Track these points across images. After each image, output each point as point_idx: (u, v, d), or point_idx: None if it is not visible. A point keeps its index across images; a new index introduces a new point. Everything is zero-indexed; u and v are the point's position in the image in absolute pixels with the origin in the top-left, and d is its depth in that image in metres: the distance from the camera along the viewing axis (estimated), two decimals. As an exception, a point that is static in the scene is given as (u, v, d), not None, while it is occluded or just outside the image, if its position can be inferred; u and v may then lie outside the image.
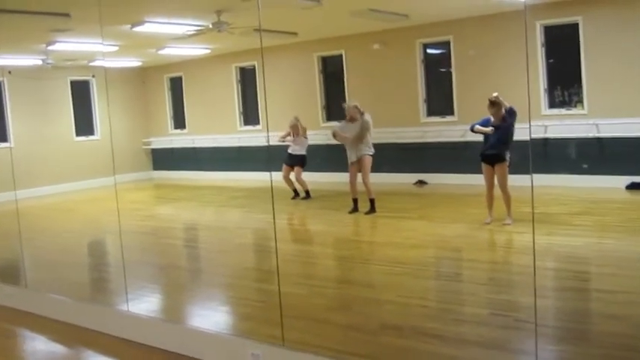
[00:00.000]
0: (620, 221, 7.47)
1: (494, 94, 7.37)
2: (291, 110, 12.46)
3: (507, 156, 7.33)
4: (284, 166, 10.42)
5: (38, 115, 13.51)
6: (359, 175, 8.74)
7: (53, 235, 9.25)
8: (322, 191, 10.59)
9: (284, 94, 12.54)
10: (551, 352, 3.89)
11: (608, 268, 5.65)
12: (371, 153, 8.75)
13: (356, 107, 8.87)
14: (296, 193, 10.34)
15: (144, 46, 11.62)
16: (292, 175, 10.37)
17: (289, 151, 10.47)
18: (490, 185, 7.48)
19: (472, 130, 7.61)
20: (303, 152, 10.44)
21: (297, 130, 10.46)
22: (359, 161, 8.70)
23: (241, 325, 4.90)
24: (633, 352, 3.84)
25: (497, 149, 7.33)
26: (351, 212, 8.67)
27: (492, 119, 7.41)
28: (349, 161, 8.82)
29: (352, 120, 8.83)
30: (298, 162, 10.35)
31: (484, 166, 7.49)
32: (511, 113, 7.28)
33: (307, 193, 10.26)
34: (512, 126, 7.33)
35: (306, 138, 10.49)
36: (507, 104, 7.31)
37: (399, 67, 11.47)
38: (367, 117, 8.76)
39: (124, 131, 14.48)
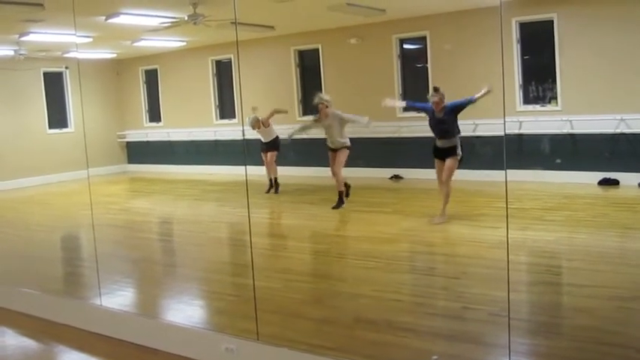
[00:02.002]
0: (591, 216, 7.56)
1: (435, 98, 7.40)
2: (267, 104, 12.44)
3: (459, 150, 7.37)
4: (262, 155, 10.45)
5: (10, 106, 13.32)
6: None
7: (25, 228, 9.13)
8: (298, 185, 10.58)
9: (261, 87, 12.49)
10: (524, 345, 3.93)
11: (580, 262, 5.72)
12: (348, 144, 8.76)
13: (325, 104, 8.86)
14: (270, 186, 10.32)
15: (118, 37, 11.50)
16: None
17: (263, 140, 10.50)
18: (441, 181, 7.54)
19: (408, 105, 7.61)
20: (275, 136, 10.46)
21: (259, 125, 10.41)
22: (336, 151, 8.73)
23: (215, 319, 4.88)
24: (603, 345, 3.89)
25: (449, 141, 7.38)
26: (335, 208, 8.66)
27: (434, 107, 7.44)
28: (330, 146, 8.84)
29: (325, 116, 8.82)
30: (272, 146, 10.40)
31: (436, 161, 7.54)
32: (453, 107, 7.36)
33: (275, 181, 10.23)
34: (456, 113, 7.39)
35: (269, 126, 10.47)
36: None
37: (375, 61, 11.49)
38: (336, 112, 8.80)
39: (98, 124, 14.35)
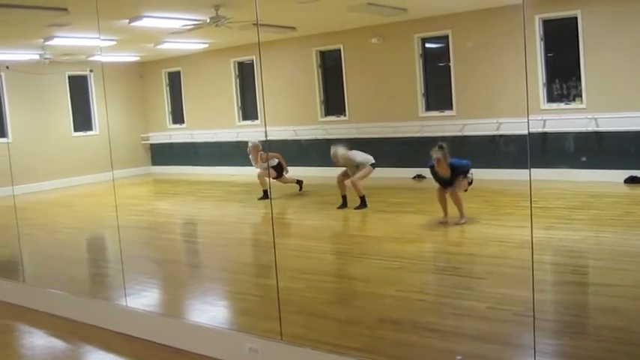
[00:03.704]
0: (618, 215, 7.46)
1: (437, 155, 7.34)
2: (289, 105, 12.49)
3: (468, 174, 7.34)
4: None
5: (36, 110, 13.50)
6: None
7: (51, 230, 9.24)
8: (320, 186, 10.57)
9: (283, 88, 12.52)
10: (550, 345, 3.89)
11: (606, 261, 5.64)
12: (372, 161, 8.75)
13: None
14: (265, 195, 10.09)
15: (142, 40, 11.60)
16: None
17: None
18: (440, 189, 7.48)
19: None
20: (276, 162, 10.17)
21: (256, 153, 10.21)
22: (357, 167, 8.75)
23: (239, 319, 4.90)
24: (631, 346, 3.84)
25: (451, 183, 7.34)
26: (340, 208, 8.67)
27: (436, 165, 7.39)
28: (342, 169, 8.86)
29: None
30: (274, 168, 10.14)
31: (439, 187, 7.47)
32: (456, 168, 7.32)
33: (265, 193, 9.93)
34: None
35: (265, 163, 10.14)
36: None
37: (397, 61, 11.45)
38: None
39: (122, 126, 14.48)
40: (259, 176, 10.11)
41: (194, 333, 4.32)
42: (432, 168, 7.47)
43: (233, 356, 4.01)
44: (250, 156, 10.35)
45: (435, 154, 7.35)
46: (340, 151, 8.83)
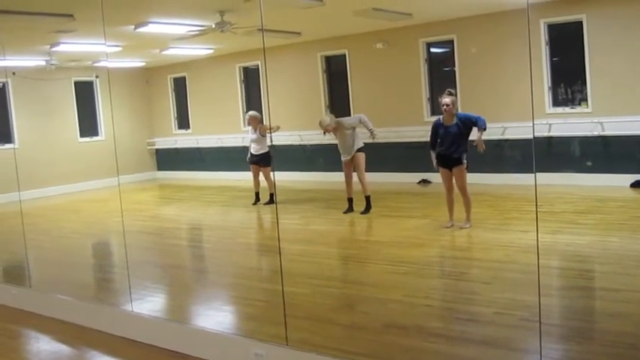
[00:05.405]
0: (624, 219, 7.44)
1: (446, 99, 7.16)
2: (295, 110, 12.50)
3: (465, 158, 7.18)
4: (252, 168, 10.19)
5: (42, 116, 13.55)
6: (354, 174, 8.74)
7: (57, 235, 9.26)
8: (325, 191, 10.57)
9: (288, 93, 12.54)
10: (556, 350, 3.88)
11: (613, 266, 5.62)
12: (362, 146, 8.69)
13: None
14: (257, 198, 10.14)
15: (147, 46, 11.64)
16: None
17: (251, 150, 10.24)
18: (449, 189, 7.37)
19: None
20: (266, 150, 10.07)
21: (256, 123, 10.17)
22: (353, 158, 8.67)
23: (245, 324, 4.90)
24: (638, 351, 3.82)
25: (454, 152, 7.17)
26: (345, 212, 8.67)
27: (442, 119, 7.27)
28: (343, 159, 8.78)
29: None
30: (264, 160, 10.01)
31: (441, 169, 7.37)
32: (464, 118, 7.18)
33: (271, 197, 9.87)
34: (468, 129, 7.17)
35: (264, 136, 10.12)
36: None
37: (402, 66, 11.46)
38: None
39: (128, 132, 14.51)
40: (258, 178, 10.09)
41: (200, 338, 4.32)
42: (438, 127, 7.27)
43: (239, 361, 4.01)
44: (249, 127, 10.31)
45: (444, 98, 7.15)
46: (327, 118, 8.84)
